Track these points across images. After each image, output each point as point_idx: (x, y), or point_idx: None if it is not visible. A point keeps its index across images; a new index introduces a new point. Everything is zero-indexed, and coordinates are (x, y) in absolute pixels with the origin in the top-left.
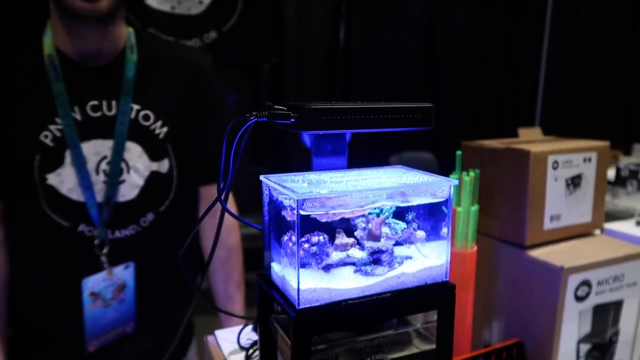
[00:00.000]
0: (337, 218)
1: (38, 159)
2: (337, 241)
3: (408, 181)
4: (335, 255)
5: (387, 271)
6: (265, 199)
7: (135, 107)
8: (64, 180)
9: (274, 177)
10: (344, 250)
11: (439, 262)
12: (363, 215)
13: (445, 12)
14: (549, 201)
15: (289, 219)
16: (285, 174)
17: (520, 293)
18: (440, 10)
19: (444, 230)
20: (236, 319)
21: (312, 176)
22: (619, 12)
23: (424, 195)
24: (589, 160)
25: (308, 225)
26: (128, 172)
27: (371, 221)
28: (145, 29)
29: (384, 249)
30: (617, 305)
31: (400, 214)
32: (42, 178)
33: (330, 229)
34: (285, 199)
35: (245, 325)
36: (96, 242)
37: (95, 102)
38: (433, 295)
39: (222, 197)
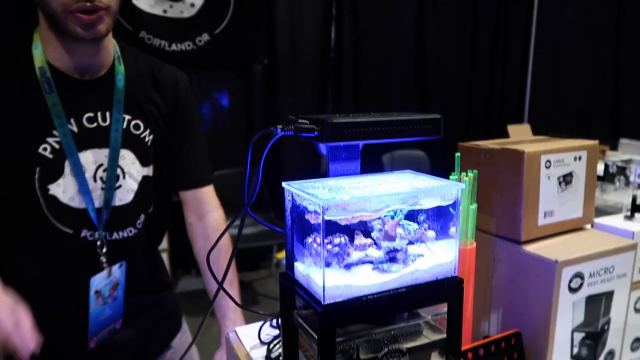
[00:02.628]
0: (356, 221)
1: (39, 171)
2: (356, 242)
3: (419, 186)
4: (355, 255)
5: (402, 268)
6: (288, 204)
7: (127, 117)
8: (64, 189)
9: (296, 185)
10: (363, 250)
11: (449, 258)
12: (379, 218)
13: (434, 13)
14: (543, 198)
15: (312, 222)
16: (305, 181)
17: (517, 286)
18: (429, 11)
19: (452, 229)
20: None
21: (331, 182)
22: (602, 13)
23: (435, 198)
24: (579, 158)
25: (330, 228)
26: (124, 177)
27: (387, 223)
28: (136, 33)
29: (398, 248)
30: (608, 296)
31: (411, 215)
32: (44, 189)
33: (349, 230)
34: (310, 204)
35: (264, 322)
36: (98, 243)
37: (90, 114)
38: (444, 289)
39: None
